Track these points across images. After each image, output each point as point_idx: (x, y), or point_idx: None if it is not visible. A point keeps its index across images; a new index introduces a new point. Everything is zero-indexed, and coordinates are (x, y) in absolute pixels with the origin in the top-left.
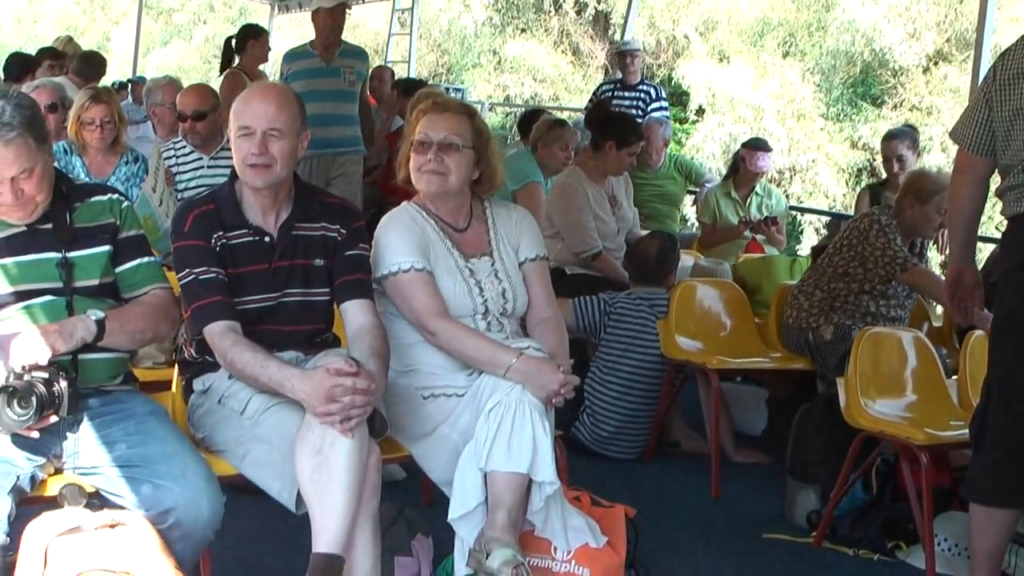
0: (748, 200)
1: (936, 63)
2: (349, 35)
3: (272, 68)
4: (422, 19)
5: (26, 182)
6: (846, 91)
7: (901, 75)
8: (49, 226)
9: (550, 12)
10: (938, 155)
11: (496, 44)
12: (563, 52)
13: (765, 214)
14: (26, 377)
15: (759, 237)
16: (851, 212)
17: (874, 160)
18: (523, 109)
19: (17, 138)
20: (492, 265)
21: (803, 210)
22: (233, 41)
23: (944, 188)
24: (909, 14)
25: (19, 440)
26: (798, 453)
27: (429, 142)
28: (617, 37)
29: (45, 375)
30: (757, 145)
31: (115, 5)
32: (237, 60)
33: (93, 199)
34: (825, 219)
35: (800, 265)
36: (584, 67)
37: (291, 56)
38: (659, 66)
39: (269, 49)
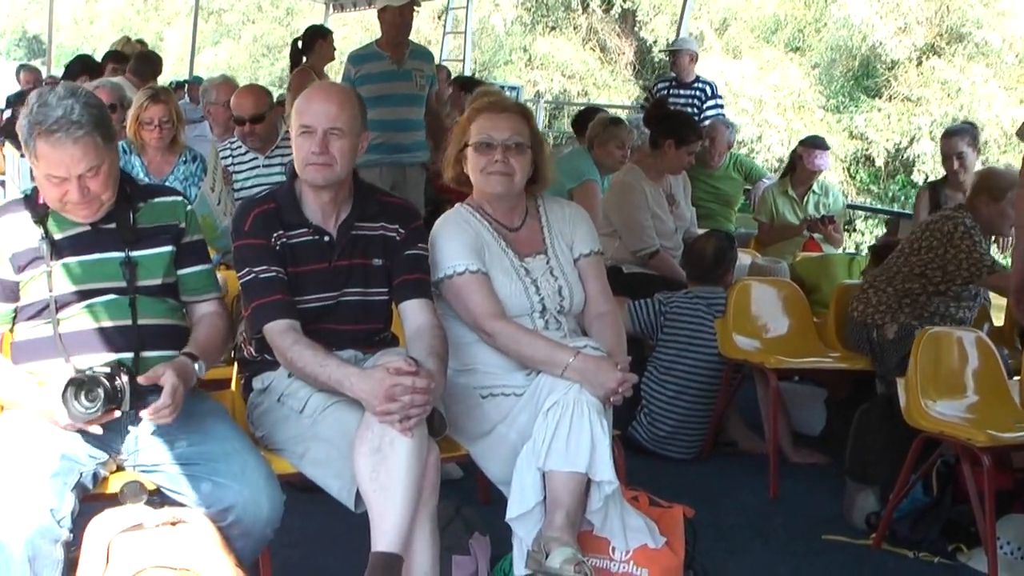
0: (805, 198)
1: (927, 56)
2: (355, 40)
3: (334, 69)
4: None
5: (92, 180)
6: (846, 83)
7: (894, 68)
8: (113, 225)
9: (578, 10)
10: (927, 143)
11: (527, 42)
12: (591, 49)
13: (822, 212)
14: (88, 372)
15: (816, 236)
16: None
17: (868, 149)
18: (553, 105)
19: (85, 136)
20: (547, 263)
21: (861, 208)
22: (299, 42)
23: (1015, 183)
24: (900, 10)
25: (82, 438)
26: (857, 454)
27: (493, 143)
28: (643, 35)
29: (107, 370)
30: (815, 143)
31: (168, 5)
32: (304, 60)
33: (157, 200)
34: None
35: (859, 264)
36: (612, 64)
37: (359, 58)
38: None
39: (335, 48)
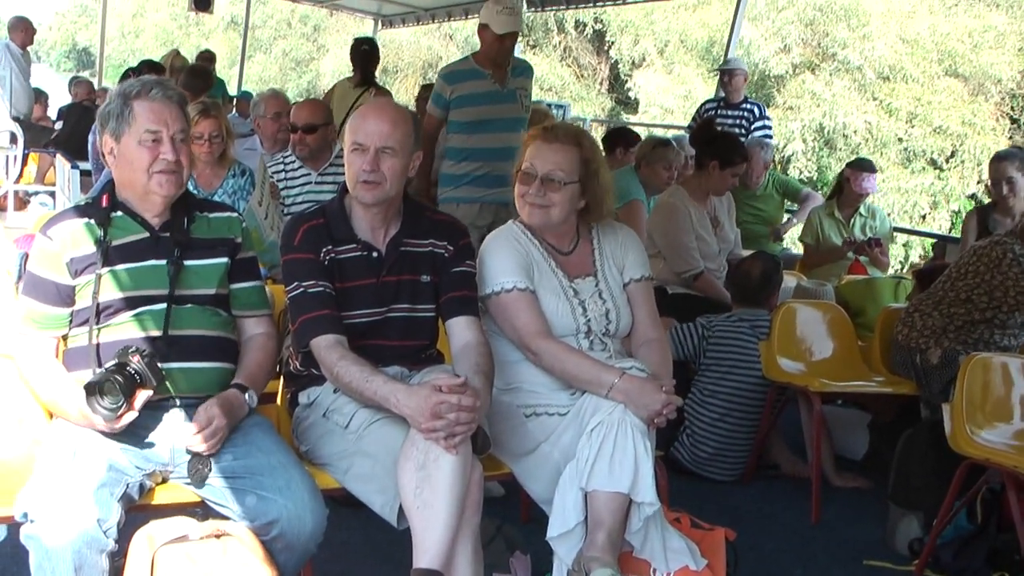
0: (852, 221)
1: (802, 71)
2: (394, 55)
3: (401, 89)
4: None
5: (181, 146)
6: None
7: (776, 81)
8: (168, 235)
9: (554, 31)
10: (799, 143)
11: None
12: (568, 65)
13: (869, 235)
14: (97, 372)
15: (862, 258)
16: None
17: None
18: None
19: (178, 100)
20: (596, 286)
21: (908, 231)
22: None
23: None
24: (780, 33)
25: (129, 449)
26: (901, 479)
27: (534, 173)
28: (612, 53)
29: (115, 361)
30: (862, 166)
31: (207, 20)
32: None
33: (214, 215)
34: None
35: (905, 287)
36: (587, 79)
37: (454, 76)
38: (627, 75)
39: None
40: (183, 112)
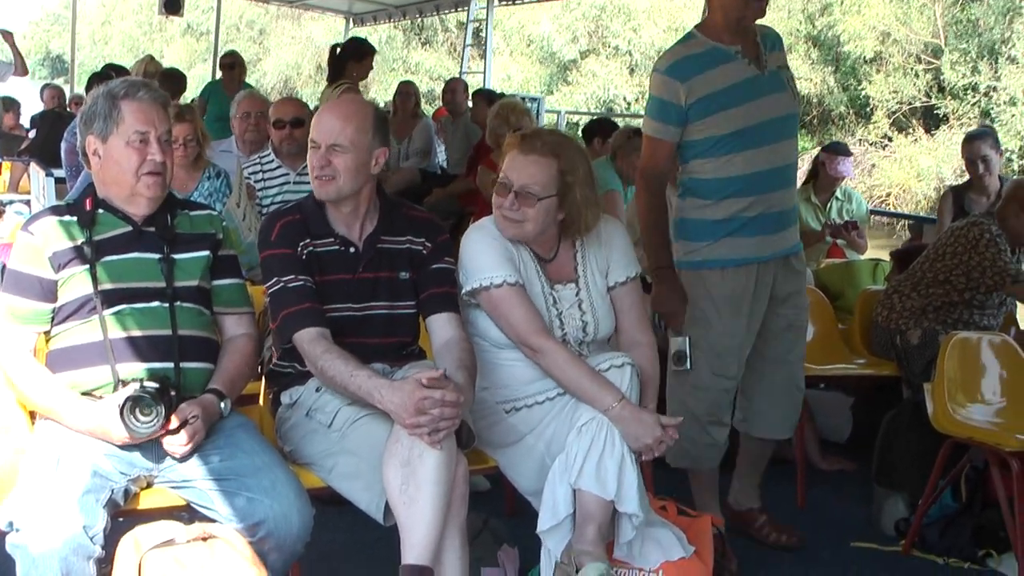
0: (828, 205)
1: (586, 57)
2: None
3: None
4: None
5: (166, 147)
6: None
7: (569, 64)
8: (153, 229)
9: (438, 29)
10: (584, 108)
11: (404, 54)
12: (455, 59)
13: (846, 218)
14: (145, 388)
15: (840, 242)
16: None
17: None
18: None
19: (164, 102)
20: (577, 294)
21: (885, 214)
22: (338, 50)
23: None
24: (571, 27)
25: (113, 455)
26: (885, 460)
27: (509, 185)
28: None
29: (157, 385)
30: (837, 149)
31: (169, 27)
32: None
33: (195, 212)
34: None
35: (883, 269)
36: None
37: (687, 65)
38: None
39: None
40: (167, 114)
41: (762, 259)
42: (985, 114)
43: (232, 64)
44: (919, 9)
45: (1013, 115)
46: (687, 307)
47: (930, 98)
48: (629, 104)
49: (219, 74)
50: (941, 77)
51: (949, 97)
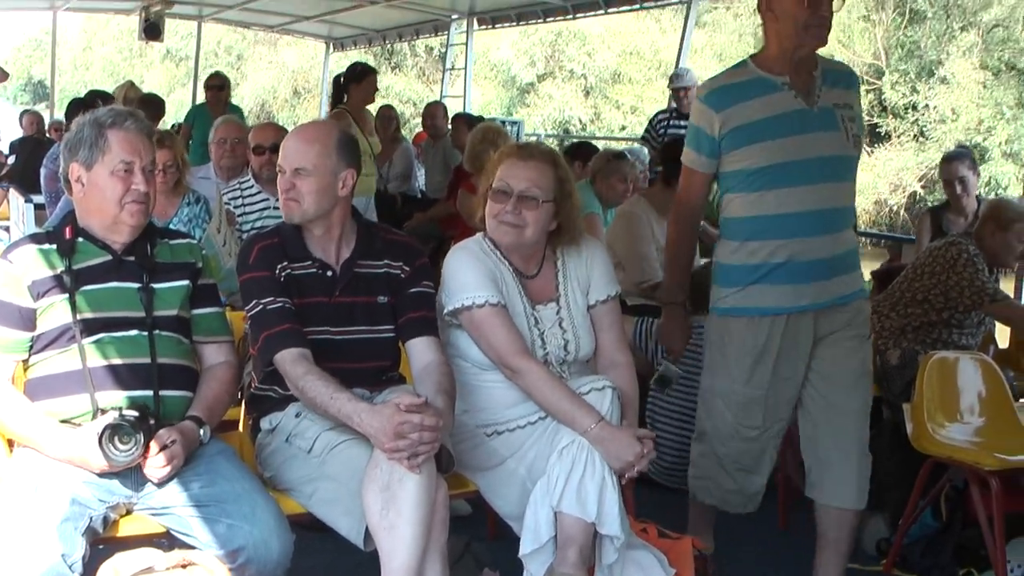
0: None
1: (543, 80)
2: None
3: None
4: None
5: (150, 177)
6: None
7: (527, 87)
8: (132, 258)
9: (408, 54)
10: (541, 129)
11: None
12: (424, 83)
13: None
14: (124, 416)
15: None
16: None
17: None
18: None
19: (148, 133)
20: (557, 313)
21: (864, 235)
22: (342, 79)
23: None
24: (529, 52)
25: (92, 482)
26: None
27: (509, 191)
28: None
29: (136, 413)
30: None
31: (149, 53)
32: (345, 98)
33: (175, 241)
34: None
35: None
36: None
37: (726, 94)
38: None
39: (376, 89)
40: (152, 144)
41: (795, 310)
42: (922, 132)
43: (221, 85)
44: (861, 33)
45: (944, 132)
46: (710, 352)
47: (872, 116)
48: (584, 125)
49: (200, 98)
50: (883, 97)
51: (891, 116)
